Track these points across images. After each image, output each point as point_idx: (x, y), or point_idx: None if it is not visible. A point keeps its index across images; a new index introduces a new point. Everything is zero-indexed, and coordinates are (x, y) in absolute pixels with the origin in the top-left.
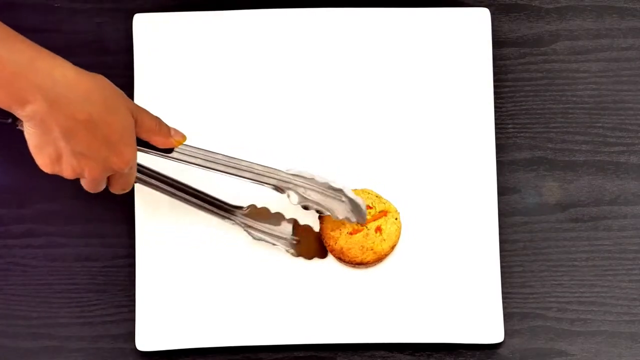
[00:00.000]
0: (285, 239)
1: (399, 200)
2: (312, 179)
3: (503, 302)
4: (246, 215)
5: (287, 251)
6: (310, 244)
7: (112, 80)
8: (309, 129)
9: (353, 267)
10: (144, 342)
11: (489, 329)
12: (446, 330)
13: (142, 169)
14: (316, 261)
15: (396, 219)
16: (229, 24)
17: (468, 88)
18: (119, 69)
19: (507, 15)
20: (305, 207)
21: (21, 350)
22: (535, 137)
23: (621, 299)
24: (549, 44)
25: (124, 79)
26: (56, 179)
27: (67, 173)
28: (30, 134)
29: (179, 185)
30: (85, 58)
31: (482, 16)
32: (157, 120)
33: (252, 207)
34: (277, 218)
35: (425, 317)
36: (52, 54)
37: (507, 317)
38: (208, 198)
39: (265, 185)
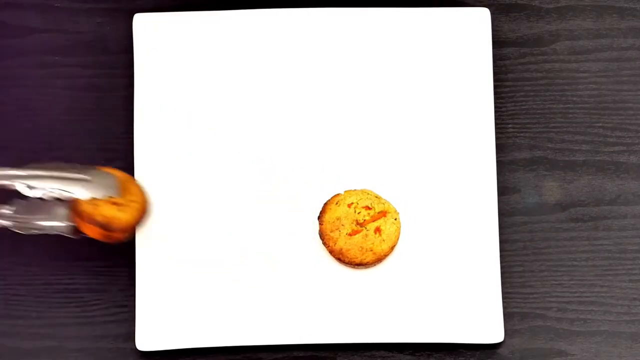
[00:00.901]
0: (57, 224)
1: (398, 200)
2: (44, 167)
3: (503, 302)
4: (14, 212)
5: (65, 235)
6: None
7: (112, 80)
8: (309, 129)
9: (353, 267)
10: (144, 342)
11: (489, 328)
12: (446, 330)
13: None
14: (316, 261)
15: (395, 219)
16: (229, 24)
17: (468, 88)
18: (119, 69)
19: (507, 15)
20: (42, 198)
21: (21, 350)
22: (535, 137)
23: (621, 299)
24: (549, 44)
25: (124, 79)
26: None
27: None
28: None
29: None
30: (85, 58)
31: (482, 16)
32: None
33: (18, 202)
34: (49, 206)
35: (425, 317)
36: None
37: (507, 317)
38: None
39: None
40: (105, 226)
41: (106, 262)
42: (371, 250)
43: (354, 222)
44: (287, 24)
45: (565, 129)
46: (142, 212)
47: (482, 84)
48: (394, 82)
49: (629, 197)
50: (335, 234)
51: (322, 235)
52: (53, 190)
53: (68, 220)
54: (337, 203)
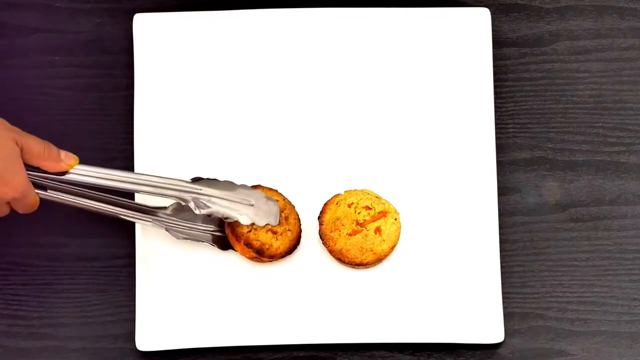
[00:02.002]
0: (208, 233)
1: (398, 200)
2: (215, 185)
3: (503, 302)
4: (169, 215)
5: (212, 245)
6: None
7: (112, 80)
8: (309, 129)
9: (353, 267)
10: (144, 342)
11: (489, 329)
12: (446, 330)
13: (51, 183)
14: (316, 261)
15: (396, 219)
16: (229, 24)
17: (468, 88)
18: (119, 69)
19: (507, 15)
20: (209, 215)
21: (21, 350)
22: (535, 137)
23: (621, 299)
24: (549, 44)
25: (124, 79)
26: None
27: None
28: None
29: (92, 195)
30: (85, 58)
31: (482, 16)
32: (46, 145)
33: (176, 205)
34: (200, 215)
35: (425, 317)
36: None
37: (507, 317)
38: (126, 203)
39: (166, 197)
40: (259, 251)
41: (106, 262)
42: (371, 251)
43: (354, 222)
44: (287, 24)
45: (565, 129)
46: (295, 242)
47: (482, 84)
48: (394, 82)
49: (629, 197)
50: (335, 234)
51: (322, 235)
52: (219, 212)
53: (221, 232)
54: (337, 203)
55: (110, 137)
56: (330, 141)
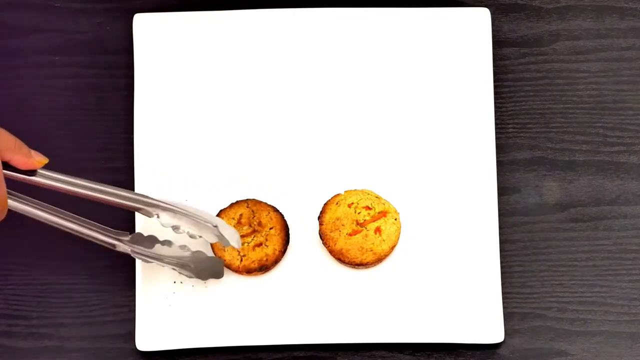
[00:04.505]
0: (177, 262)
1: (398, 200)
2: (180, 205)
3: (503, 302)
4: (131, 242)
5: (180, 273)
6: (205, 263)
7: (112, 80)
8: (309, 129)
9: (353, 267)
10: (144, 342)
11: (489, 329)
12: (446, 330)
13: (17, 196)
14: (316, 261)
15: (396, 219)
16: (229, 24)
17: (468, 88)
18: (119, 69)
19: (507, 15)
20: (176, 228)
21: (21, 350)
22: (535, 137)
23: (621, 299)
24: (549, 44)
25: (124, 79)
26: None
27: None
28: None
29: (55, 212)
30: (85, 58)
31: (482, 16)
32: (16, 139)
33: (138, 234)
34: (168, 243)
35: (425, 317)
36: None
37: (507, 317)
38: (89, 226)
39: (133, 209)
40: (261, 268)
41: (106, 262)
42: (371, 251)
43: (354, 222)
44: (287, 24)
45: (565, 129)
46: (285, 235)
47: (482, 84)
48: (394, 82)
49: (629, 197)
50: (335, 234)
51: (322, 235)
52: (184, 227)
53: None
54: (337, 203)
55: (110, 137)
56: (330, 141)
